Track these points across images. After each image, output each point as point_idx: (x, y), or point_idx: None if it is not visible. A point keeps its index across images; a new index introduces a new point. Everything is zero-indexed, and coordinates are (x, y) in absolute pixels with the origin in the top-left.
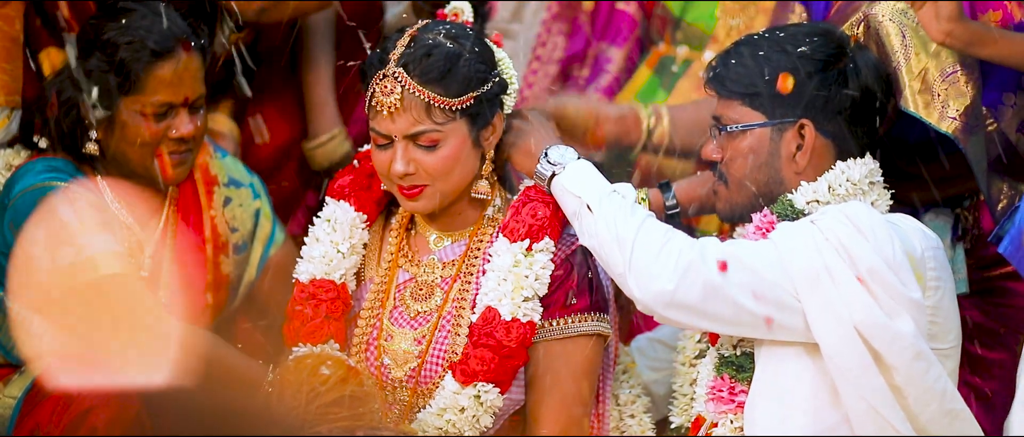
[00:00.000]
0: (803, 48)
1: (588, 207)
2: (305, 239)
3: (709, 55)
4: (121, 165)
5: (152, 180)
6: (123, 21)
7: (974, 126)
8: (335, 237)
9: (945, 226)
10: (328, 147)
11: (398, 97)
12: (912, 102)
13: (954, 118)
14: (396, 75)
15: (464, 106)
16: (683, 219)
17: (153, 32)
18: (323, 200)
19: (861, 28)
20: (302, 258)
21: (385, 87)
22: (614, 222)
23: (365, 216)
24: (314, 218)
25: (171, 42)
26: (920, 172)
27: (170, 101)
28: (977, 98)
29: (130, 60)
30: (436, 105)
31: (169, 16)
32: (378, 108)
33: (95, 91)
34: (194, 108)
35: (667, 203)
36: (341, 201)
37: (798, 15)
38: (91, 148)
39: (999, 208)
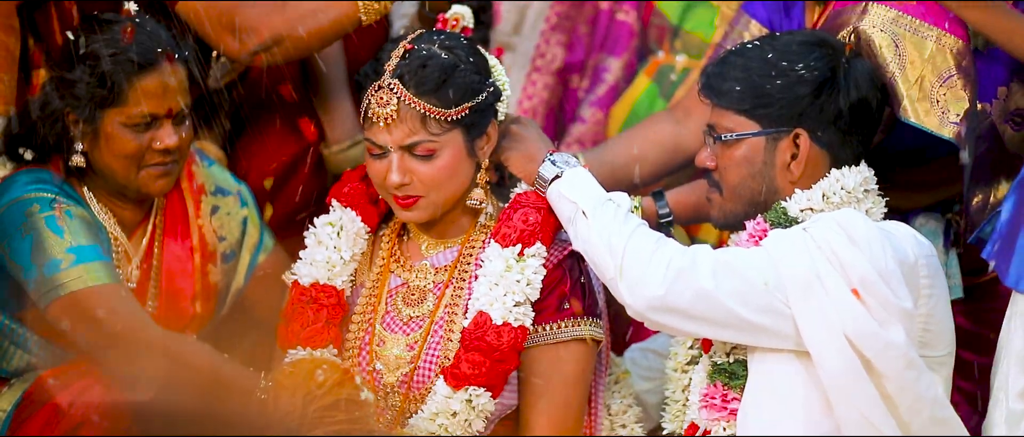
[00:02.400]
0: (798, 57)
1: (583, 213)
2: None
3: None
4: (106, 176)
5: (137, 191)
6: (107, 33)
7: (972, 129)
8: (339, 243)
9: (936, 231)
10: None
11: (394, 108)
12: (912, 111)
13: (955, 123)
14: (392, 86)
15: (460, 117)
16: (680, 227)
17: (137, 44)
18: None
19: (851, 40)
20: (302, 260)
21: (381, 98)
22: (607, 229)
23: (368, 227)
24: (314, 220)
25: (154, 54)
26: (906, 178)
27: (154, 113)
28: (974, 101)
29: (113, 72)
30: (432, 116)
31: (153, 28)
32: (374, 119)
33: (78, 103)
34: (178, 120)
35: (660, 211)
36: (348, 208)
37: (752, 32)
38: (77, 160)
39: (974, 203)
